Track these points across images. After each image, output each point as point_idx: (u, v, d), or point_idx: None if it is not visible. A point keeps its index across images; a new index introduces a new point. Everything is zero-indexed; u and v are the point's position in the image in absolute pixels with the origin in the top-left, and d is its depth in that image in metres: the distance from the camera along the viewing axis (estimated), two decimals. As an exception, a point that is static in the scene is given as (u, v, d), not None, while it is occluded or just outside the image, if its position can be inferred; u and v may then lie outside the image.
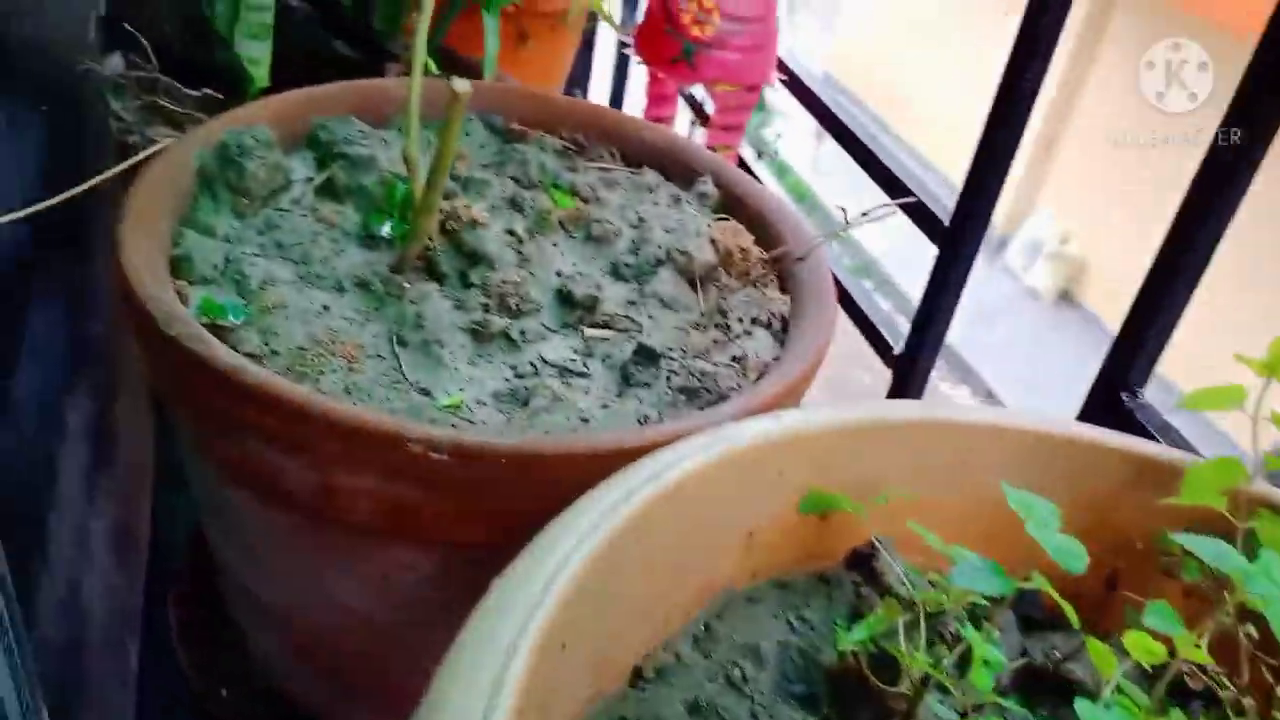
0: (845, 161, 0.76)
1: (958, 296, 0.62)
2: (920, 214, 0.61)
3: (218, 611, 0.57)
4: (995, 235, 4.64)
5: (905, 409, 0.39)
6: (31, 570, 0.56)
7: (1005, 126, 0.54)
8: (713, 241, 0.50)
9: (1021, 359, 3.71)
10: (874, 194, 0.73)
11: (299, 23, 0.62)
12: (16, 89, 0.61)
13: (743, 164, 0.77)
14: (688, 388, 0.43)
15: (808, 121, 0.78)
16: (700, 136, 0.75)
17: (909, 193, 0.60)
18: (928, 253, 0.68)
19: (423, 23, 0.42)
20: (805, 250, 0.49)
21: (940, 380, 3.95)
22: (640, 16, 1.04)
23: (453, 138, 0.42)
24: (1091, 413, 0.51)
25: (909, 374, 0.64)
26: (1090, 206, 3.63)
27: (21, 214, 0.52)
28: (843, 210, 0.48)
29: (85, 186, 0.54)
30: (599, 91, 1.09)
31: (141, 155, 0.57)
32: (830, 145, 0.78)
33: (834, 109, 0.75)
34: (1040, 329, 4.06)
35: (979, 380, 3.74)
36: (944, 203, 0.66)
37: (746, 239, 0.51)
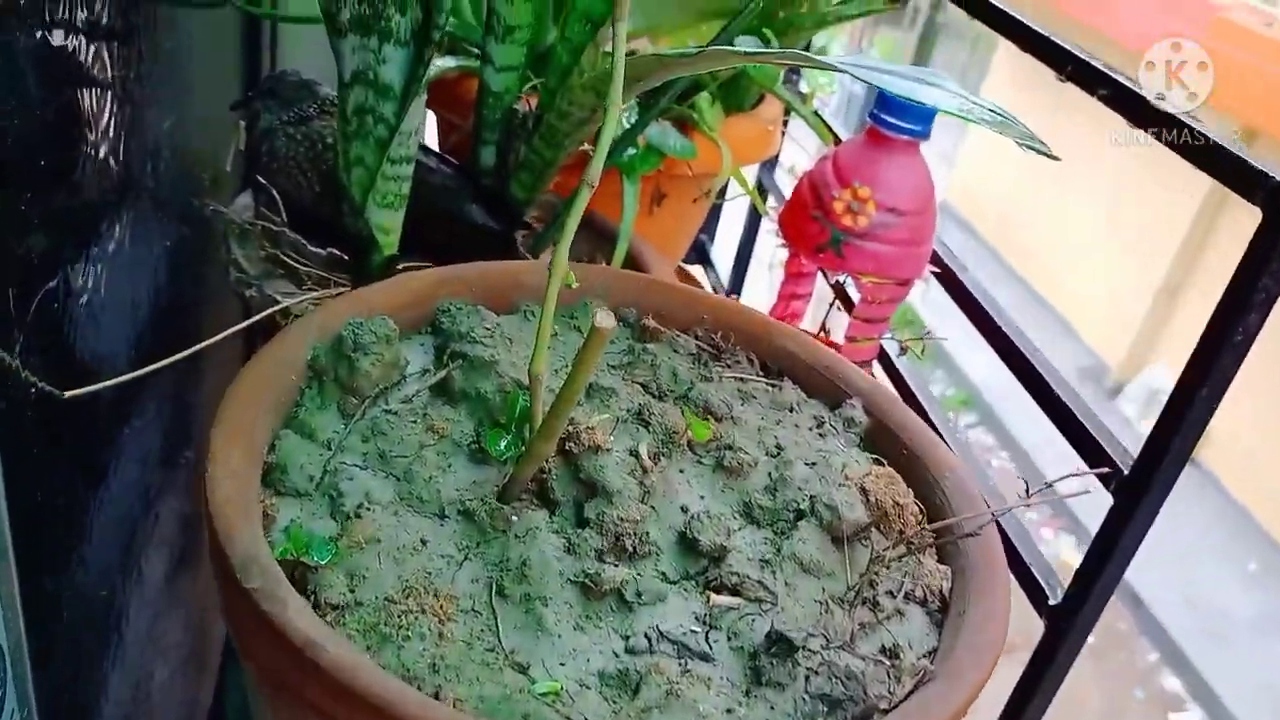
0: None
1: (1133, 552, 0.53)
2: (1097, 460, 0.53)
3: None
4: (1111, 381, 4.43)
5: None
6: (96, 678, 0.56)
7: (1206, 384, 0.47)
8: (863, 492, 0.44)
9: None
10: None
11: (436, 186, 0.59)
12: (143, 215, 0.60)
13: (883, 354, 0.71)
14: (829, 695, 0.36)
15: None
16: (839, 321, 0.69)
17: (1099, 448, 0.52)
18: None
19: (562, 246, 0.38)
20: (976, 525, 0.42)
21: (1043, 526, 3.73)
22: (776, 178, 1.00)
23: (587, 370, 0.37)
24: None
25: (1065, 631, 0.56)
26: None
27: (139, 373, 0.50)
28: (1024, 481, 0.41)
29: (196, 349, 0.51)
30: (725, 243, 1.05)
31: (258, 316, 0.54)
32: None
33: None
34: (1155, 487, 3.81)
35: (1085, 531, 3.53)
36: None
37: (903, 492, 0.44)
